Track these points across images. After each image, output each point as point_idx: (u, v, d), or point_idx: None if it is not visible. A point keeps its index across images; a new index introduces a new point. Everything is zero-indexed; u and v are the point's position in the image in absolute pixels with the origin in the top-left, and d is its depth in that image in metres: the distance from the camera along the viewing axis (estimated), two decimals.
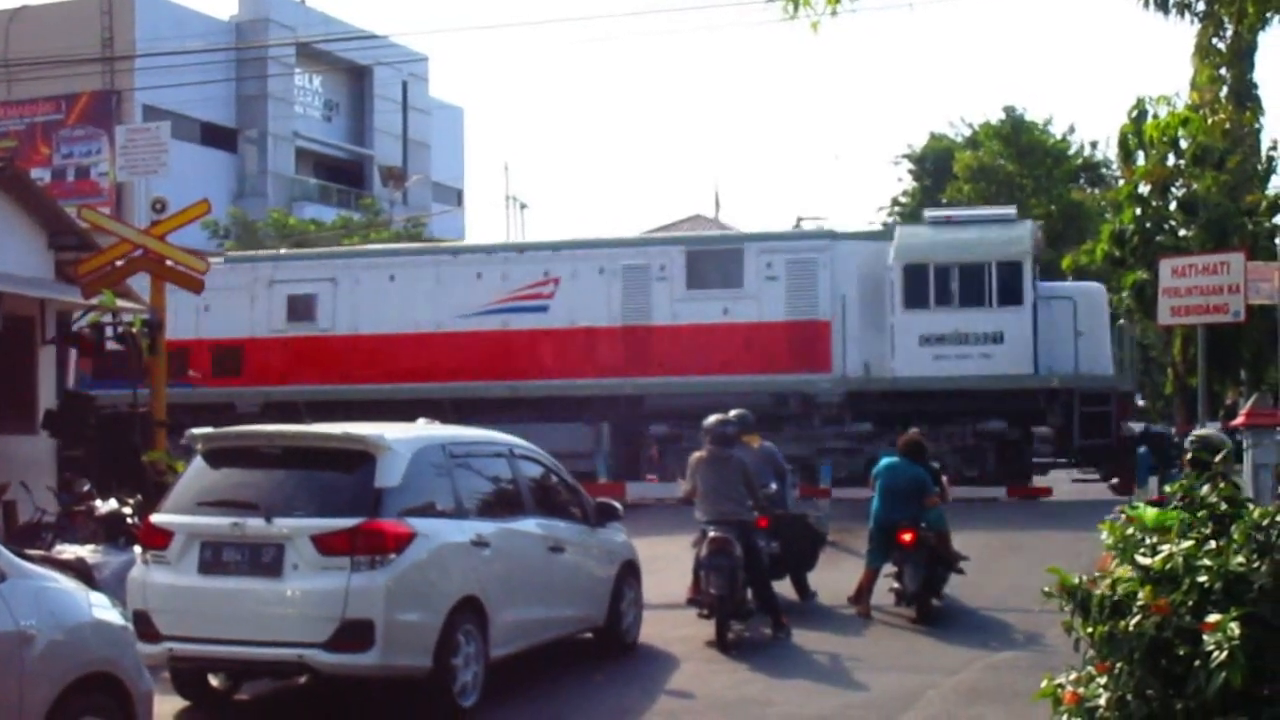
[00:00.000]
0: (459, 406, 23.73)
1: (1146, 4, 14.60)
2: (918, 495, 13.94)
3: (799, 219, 45.83)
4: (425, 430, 11.15)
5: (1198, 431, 11.40)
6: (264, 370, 26.74)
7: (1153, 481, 20.76)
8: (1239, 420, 14.37)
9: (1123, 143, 31.52)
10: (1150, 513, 9.97)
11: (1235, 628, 5.49)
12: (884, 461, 14.53)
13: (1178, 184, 31.56)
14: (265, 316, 26.97)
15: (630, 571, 12.69)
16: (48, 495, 16.56)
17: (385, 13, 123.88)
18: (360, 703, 10.12)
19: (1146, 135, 29.67)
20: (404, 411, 24.59)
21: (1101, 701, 5.94)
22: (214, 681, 10.39)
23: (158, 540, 9.77)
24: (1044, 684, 6.32)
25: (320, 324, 26.75)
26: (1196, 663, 5.59)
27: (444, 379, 25.70)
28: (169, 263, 18.08)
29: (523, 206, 56.05)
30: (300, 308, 26.84)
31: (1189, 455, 10.64)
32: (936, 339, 24.02)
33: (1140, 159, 31.24)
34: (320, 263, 27.96)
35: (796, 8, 9.91)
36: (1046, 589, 6.35)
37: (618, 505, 12.94)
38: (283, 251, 33.38)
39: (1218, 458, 10.51)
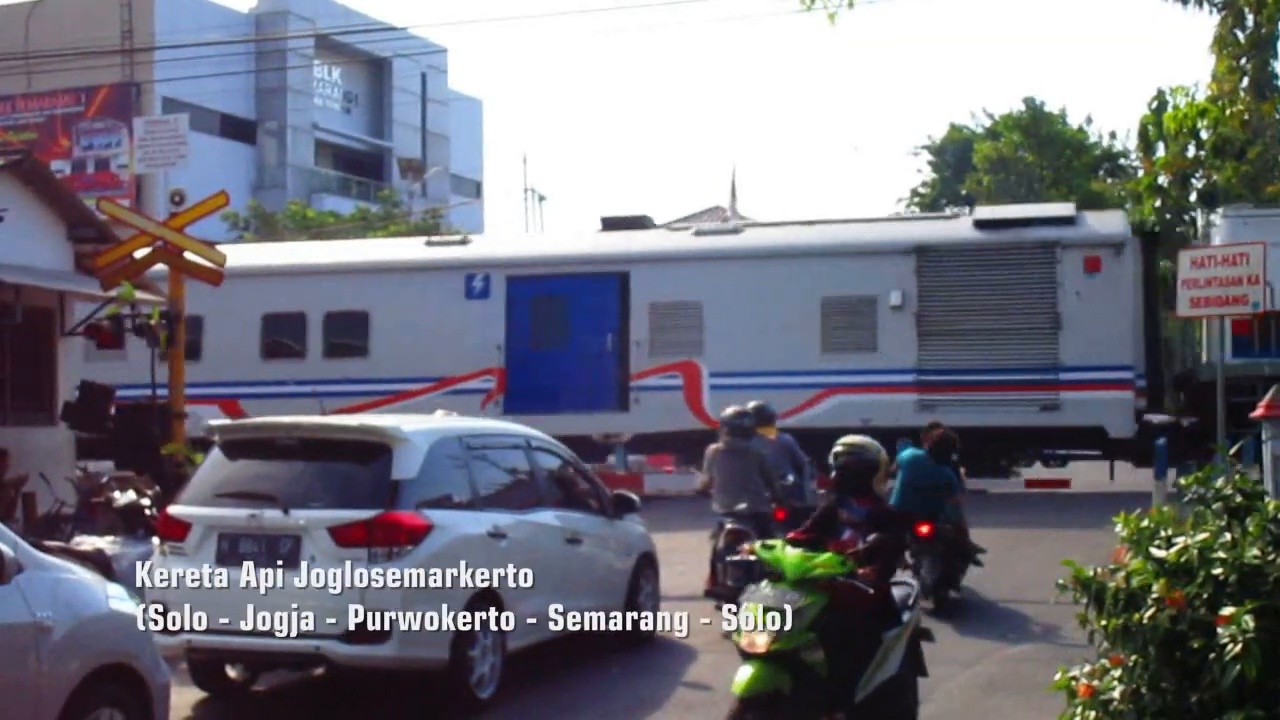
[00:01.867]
0: None
1: None
2: (941, 493, 13.90)
3: None
4: (442, 422, 11.18)
5: (848, 439, 8.84)
6: None
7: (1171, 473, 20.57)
8: (1259, 412, 14.28)
9: (1143, 134, 31.20)
10: (790, 556, 7.46)
11: (1250, 620, 5.48)
12: (908, 453, 14.33)
13: (1198, 175, 31.41)
14: None
15: (648, 563, 12.67)
16: (67, 487, 16.63)
17: (404, 4, 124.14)
18: (378, 694, 10.14)
19: (1165, 126, 29.51)
20: None
21: (1116, 694, 5.94)
22: (231, 673, 10.44)
23: (175, 531, 9.81)
24: (1058, 676, 6.32)
25: None
26: (1211, 655, 5.59)
27: None
28: (188, 255, 18.13)
29: (541, 198, 55.99)
30: None
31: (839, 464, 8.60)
32: None
33: (1160, 150, 31.08)
34: None
35: None
36: (1060, 581, 6.34)
37: (635, 497, 12.95)
38: None
39: (881, 473, 8.62)
